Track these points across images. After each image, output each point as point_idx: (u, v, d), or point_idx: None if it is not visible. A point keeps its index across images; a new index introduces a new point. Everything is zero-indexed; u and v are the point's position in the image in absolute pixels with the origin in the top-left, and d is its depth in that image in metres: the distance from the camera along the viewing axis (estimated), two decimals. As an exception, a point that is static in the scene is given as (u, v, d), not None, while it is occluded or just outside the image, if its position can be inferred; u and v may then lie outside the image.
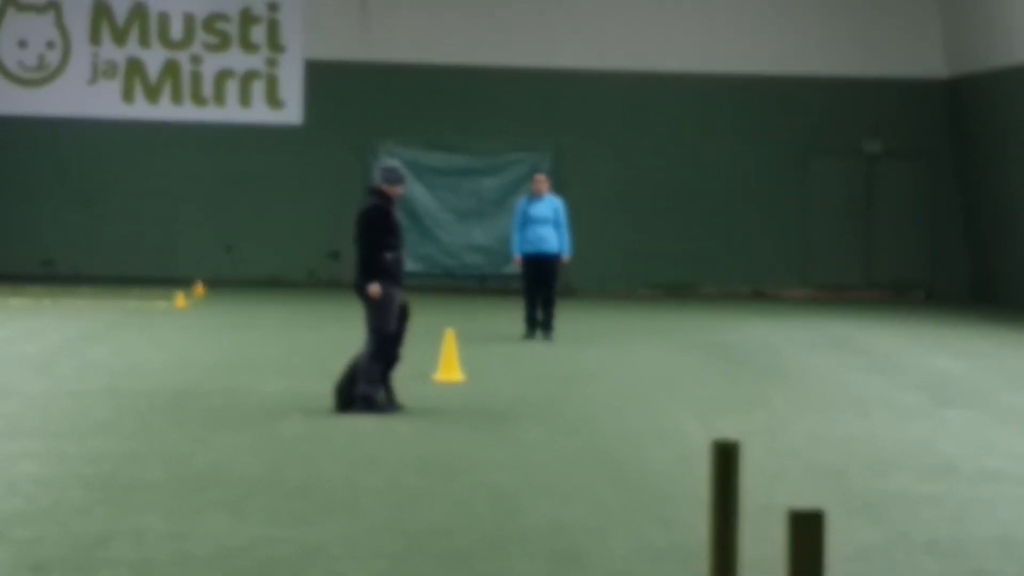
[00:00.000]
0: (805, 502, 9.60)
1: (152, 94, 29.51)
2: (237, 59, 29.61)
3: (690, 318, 24.45)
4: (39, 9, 29.31)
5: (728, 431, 12.28)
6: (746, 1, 29.95)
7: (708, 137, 29.92)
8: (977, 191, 29.30)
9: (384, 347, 13.75)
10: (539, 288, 20.54)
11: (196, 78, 29.57)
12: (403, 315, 13.99)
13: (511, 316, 22.05)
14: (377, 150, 29.62)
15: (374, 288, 13.69)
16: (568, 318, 22.12)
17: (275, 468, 11.02)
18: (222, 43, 29.64)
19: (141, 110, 29.45)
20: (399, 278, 13.92)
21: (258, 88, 29.67)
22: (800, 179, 30.05)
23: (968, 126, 29.43)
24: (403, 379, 15.97)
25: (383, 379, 13.80)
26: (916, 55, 29.93)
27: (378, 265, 13.75)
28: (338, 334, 20.88)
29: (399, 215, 14.21)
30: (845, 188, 30.14)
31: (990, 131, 28.49)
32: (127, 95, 29.47)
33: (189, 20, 29.57)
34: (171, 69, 29.54)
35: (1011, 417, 14.31)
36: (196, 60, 29.57)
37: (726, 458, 5.75)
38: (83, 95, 29.31)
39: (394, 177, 14.14)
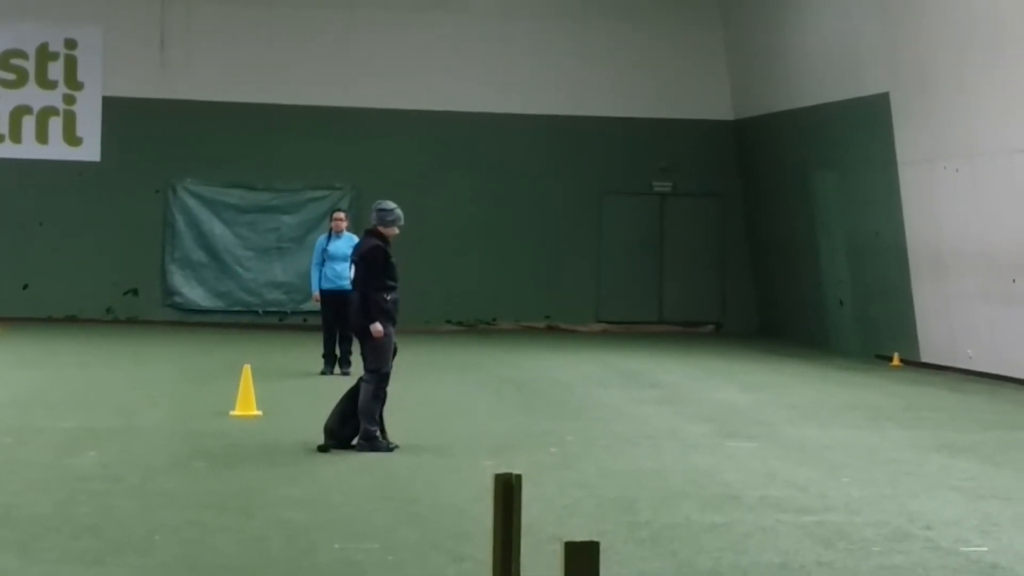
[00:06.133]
0: (593, 534, 9.81)
1: (-54, 130, 28.98)
2: (34, 96, 29.16)
3: (487, 353, 24.65)
4: None
5: (521, 465, 12.51)
6: (543, 43, 30.38)
7: (505, 175, 30.25)
8: (762, 229, 30.09)
9: (383, 386, 13.86)
10: (337, 323, 20.62)
11: (-9, 114, 29.10)
12: (392, 354, 14.13)
13: (310, 352, 22.05)
14: (176, 187, 29.45)
15: (377, 328, 13.77)
16: (367, 354, 22.19)
17: (67, 506, 10.89)
18: (19, 79, 29.17)
19: (-66, 145, 28.91)
20: (395, 319, 14.04)
21: (55, 125, 29.26)
22: (594, 217, 30.54)
23: (752, 166, 30.25)
24: (201, 415, 15.97)
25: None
26: (705, 98, 30.66)
27: (378, 306, 13.82)
28: (134, 370, 20.71)
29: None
30: (638, 226, 30.71)
31: (772, 172, 29.32)
32: (-80, 130, 28.92)
33: (-16, 56, 29.11)
34: (-35, 105, 29.04)
35: (793, 448, 14.71)
36: (-9, 96, 29.11)
37: (508, 491, 5.86)
38: None
39: (391, 218, 14.15)
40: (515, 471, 5.88)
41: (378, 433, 13.91)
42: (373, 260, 14.01)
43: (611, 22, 30.57)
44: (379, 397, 13.92)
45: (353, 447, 13.83)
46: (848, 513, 11.35)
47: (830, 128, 26.59)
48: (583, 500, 11.68)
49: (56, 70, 29.29)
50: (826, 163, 27.09)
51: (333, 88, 29.77)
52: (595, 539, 5.07)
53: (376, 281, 13.94)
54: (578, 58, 30.45)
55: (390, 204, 14.36)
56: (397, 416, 16.36)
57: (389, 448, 13.84)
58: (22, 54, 29.22)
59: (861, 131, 25.35)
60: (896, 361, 24.11)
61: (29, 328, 27.03)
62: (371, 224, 14.30)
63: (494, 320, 30.26)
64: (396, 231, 14.29)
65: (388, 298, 13.98)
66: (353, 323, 14.22)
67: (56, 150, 29.26)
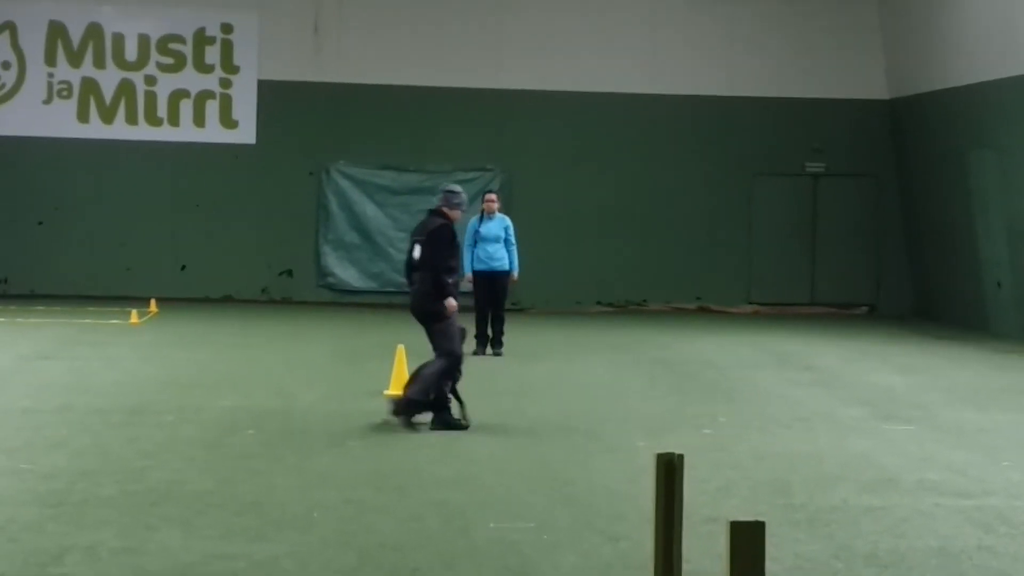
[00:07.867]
0: (749, 516, 9.77)
1: (107, 114, 29.50)
2: (191, 79, 29.65)
3: (638, 335, 24.58)
4: (-6, 31, 29.33)
5: (675, 447, 12.47)
6: (691, 23, 30.19)
7: (655, 156, 30.13)
8: (918, 210, 29.65)
9: (454, 367, 14.01)
10: (489, 304, 20.74)
11: (150, 98, 29.60)
12: (461, 336, 14.29)
13: (462, 333, 22.15)
14: (329, 169, 29.77)
15: (451, 303, 13.98)
16: (518, 334, 22.28)
17: (228, 484, 11.09)
18: (177, 64, 29.68)
19: (96, 130, 29.43)
20: (457, 301, 14.23)
21: (212, 108, 29.73)
22: (746, 197, 30.30)
23: (908, 146, 29.79)
24: (356, 395, 16.15)
25: (455, 395, 14.06)
26: (859, 76, 30.24)
27: (444, 288, 13.97)
28: (290, 350, 20.97)
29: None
30: (790, 206, 30.41)
31: (928, 151, 28.85)
32: (82, 115, 29.45)
33: (144, 41, 29.60)
34: (126, 89, 29.54)
35: (951, 431, 14.52)
36: (151, 80, 29.60)
37: (670, 471, 5.85)
38: (38, 115, 29.23)
39: (456, 200, 14.42)
40: (667, 451, 5.87)
41: (449, 406, 13.99)
42: (440, 238, 14.09)
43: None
44: (447, 375, 13.95)
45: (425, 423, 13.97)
46: (1008, 497, 11.19)
47: (988, 107, 26.12)
48: (737, 482, 11.64)
49: (213, 54, 29.76)
50: (984, 143, 26.62)
51: (483, 70, 29.86)
52: (747, 519, 5.05)
53: (443, 261, 14.00)
54: (727, 37, 30.22)
55: (458, 187, 14.75)
56: (548, 397, 16.47)
57: (459, 425, 13.91)
58: (180, 39, 29.72)
59: (1020, 110, 24.87)
60: (1056, 344, 23.66)
61: (187, 308, 27.48)
62: (438, 205, 14.42)
63: (645, 301, 30.18)
64: (459, 214, 14.47)
65: (451, 281, 14.04)
66: (419, 306, 14.19)
67: (213, 133, 29.73)
